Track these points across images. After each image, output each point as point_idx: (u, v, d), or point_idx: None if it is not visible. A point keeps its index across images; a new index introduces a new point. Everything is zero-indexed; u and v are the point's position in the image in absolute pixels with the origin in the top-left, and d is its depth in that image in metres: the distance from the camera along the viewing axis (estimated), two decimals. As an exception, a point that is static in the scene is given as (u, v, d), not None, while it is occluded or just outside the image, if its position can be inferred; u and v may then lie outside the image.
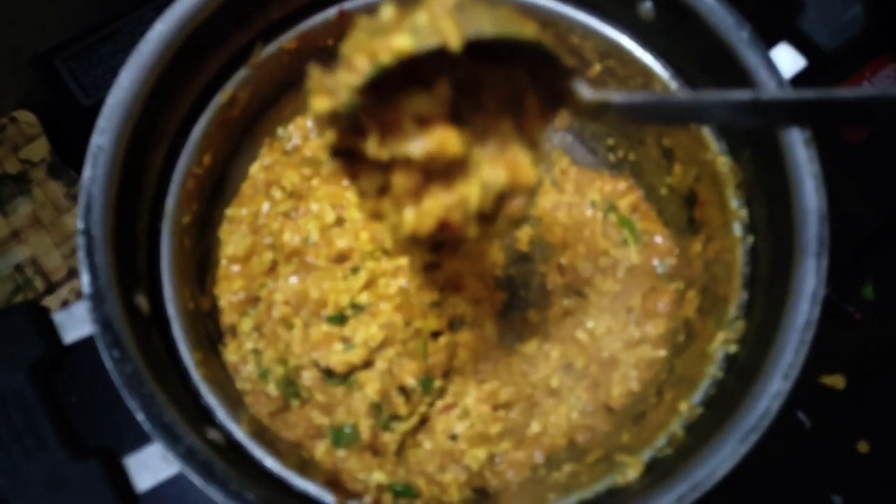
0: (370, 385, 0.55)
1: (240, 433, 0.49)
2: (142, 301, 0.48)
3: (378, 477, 0.52)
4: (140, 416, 0.42)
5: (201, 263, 0.58)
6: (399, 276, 0.58)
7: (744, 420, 0.43)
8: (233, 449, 0.47)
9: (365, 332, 0.56)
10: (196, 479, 0.41)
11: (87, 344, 0.45)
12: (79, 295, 0.79)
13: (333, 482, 0.49)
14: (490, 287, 0.62)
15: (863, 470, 0.67)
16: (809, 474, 0.67)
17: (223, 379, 0.54)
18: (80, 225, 0.45)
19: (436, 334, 0.58)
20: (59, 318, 0.47)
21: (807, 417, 0.69)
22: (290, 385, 0.56)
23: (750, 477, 0.46)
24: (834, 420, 0.68)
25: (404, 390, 0.56)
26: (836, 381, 0.70)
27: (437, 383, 0.58)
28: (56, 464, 0.42)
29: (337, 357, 0.55)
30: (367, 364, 0.57)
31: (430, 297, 0.58)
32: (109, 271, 0.45)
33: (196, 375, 0.50)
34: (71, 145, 0.86)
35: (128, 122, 0.48)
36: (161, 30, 0.50)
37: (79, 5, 0.80)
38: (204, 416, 0.48)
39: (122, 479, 0.43)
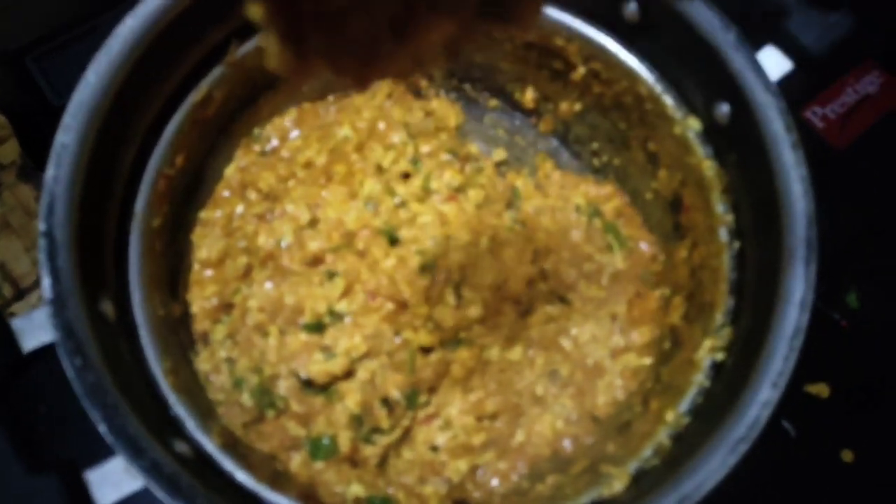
0: (351, 396, 0.53)
1: (210, 445, 0.46)
2: (107, 307, 0.46)
3: (356, 490, 0.50)
4: (102, 428, 0.40)
5: (173, 268, 0.56)
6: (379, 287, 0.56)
7: (732, 430, 0.42)
8: (202, 462, 0.45)
9: (347, 341, 0.54)
10: (160, 494, 0.39)
11: (47, 352, 0.43)
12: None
13: (308, 496, 0.47)
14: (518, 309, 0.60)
15: (847, 479, 0.66)
16: (794, 483, 0.66)
17: (194, 388, 0.52)
18: (41, 226, 0.43)
19: (426, 349, 0.56)
20: (17, 324, 0.44)
21: (791, 426, 0.68)
22: (266, 395, 0.54)
23: (734, 485, 0.45)
24: (819, 429, 0.67)
25: (387, 402, 0.54)
26: (821, 389, 0.69)
27: (423, 398, 0.56)
28: (11, 478, 0.40)
29: (317, 367, 0.53)
30: (349, 374, 0.55)
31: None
32: (73, 275, 0.43)
33: (165, 385, 0.48)
34: (42, 148, 0.83)
35: (95, 120, 0.46)
36: (131, 25, 0.48)
37: (52, 3, 0.78)
38: (172, 428, 0.46)
39: (82, 495, 0.41)
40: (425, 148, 0.61)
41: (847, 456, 0.66)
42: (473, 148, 0.67)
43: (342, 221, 0.57)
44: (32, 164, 0.82)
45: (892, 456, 0.65)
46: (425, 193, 0.59)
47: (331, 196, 0.59)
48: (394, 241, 0.56)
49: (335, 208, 0.58)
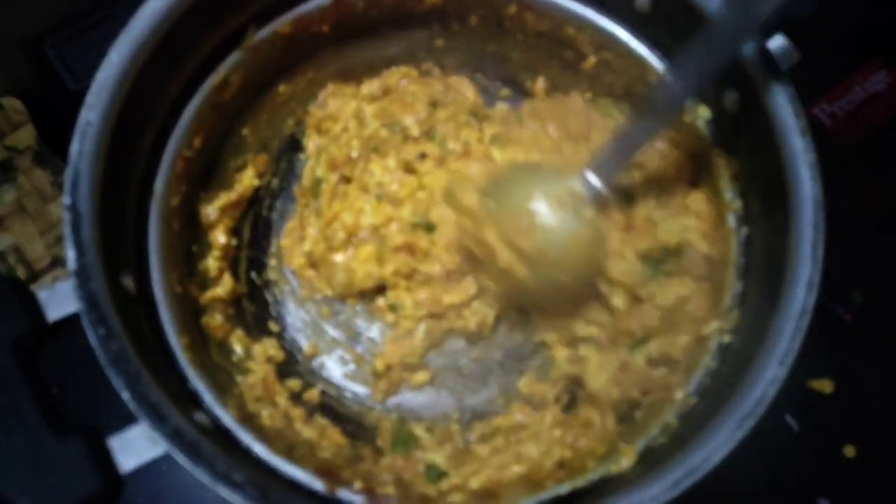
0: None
1: (227, 418, 0.48)
2: (128, 281, 0.47)
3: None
4: (125, 395, 0.41)
5: (189, 248, 0.57)
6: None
7: (740, 406, 0.43)
8: (221, 433, 0.46)
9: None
10: (183, 460, 0.40)
11: (71, 322, 0.44)
12: (63, 284, 0.78)
13: (325, 470, 0.48)
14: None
15: (850, 474, 0.67)
16: (797, 478, 0.67)
17: (211, 364, 0.53)
18: (66, 200, 0.44)
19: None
20: (43, 295, 0.45)
21: (794, 421, 0.69)
22: None
23: (737, 479, 0.45)
24: (821, 424, 0.68)
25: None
26: (824, 384, 0.69)
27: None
28: (38, 442, 0.41)
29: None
30: None
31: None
32: (96, 248, 0.44)
33: (183, 359, 0.49)
34: (58, 133, 0.84)
35: (117, 99, 0.47)
36: (154, 7, 0.49)
37: (70, -10, 0.79)
38: (191, 400, 0.47)
39: (105, 459, 0.42)
40: (443, 114, 0.62)
41: (850, 451, 0.67)
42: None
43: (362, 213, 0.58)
44: (48, 149, 0.83)
45: (895, 451, 0.66)
46: (441, 161, 0.60)
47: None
48: (430, 228, 0.57)
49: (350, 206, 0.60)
